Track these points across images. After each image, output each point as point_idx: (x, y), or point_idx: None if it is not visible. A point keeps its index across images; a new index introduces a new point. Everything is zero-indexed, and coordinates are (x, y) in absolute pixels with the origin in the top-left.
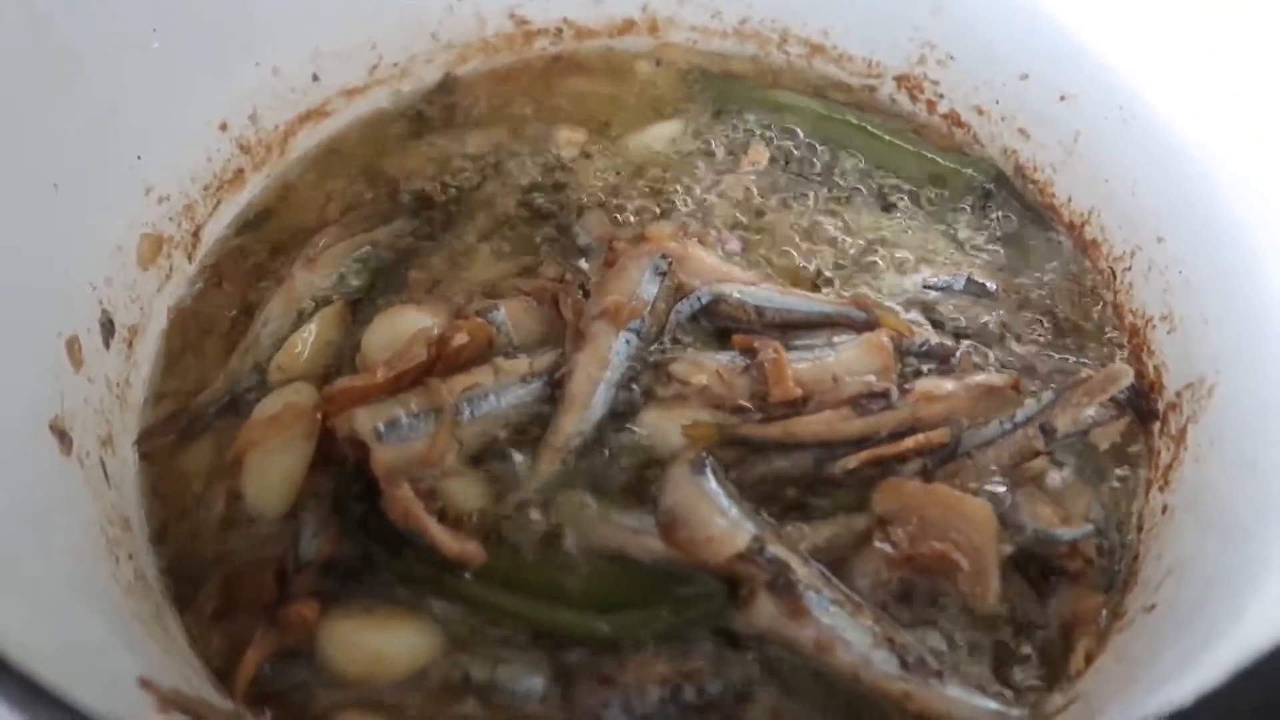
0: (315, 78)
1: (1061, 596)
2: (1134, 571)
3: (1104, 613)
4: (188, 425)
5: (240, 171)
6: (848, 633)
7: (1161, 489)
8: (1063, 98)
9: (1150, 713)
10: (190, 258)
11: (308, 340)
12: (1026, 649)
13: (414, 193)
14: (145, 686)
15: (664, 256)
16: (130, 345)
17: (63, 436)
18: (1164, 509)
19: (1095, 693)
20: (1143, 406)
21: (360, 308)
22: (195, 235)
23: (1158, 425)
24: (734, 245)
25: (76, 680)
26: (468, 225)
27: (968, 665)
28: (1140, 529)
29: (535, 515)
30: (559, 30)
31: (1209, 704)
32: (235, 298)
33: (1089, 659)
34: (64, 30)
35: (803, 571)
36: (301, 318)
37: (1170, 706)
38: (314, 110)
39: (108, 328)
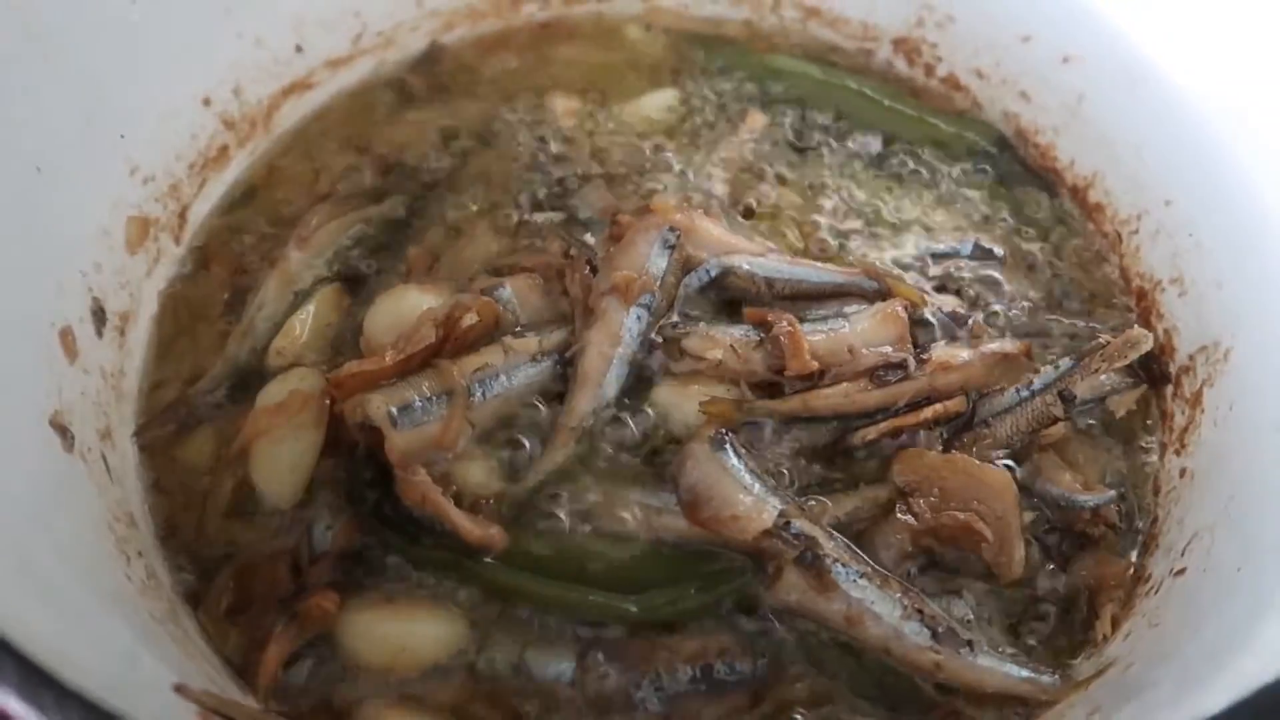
0: (299, 48)
1: (1084, 562)
2: (1154, 535)
3: (1127, 576)
4: (187, 415)
5: (225, 148)
6: (877, 605)
7: (1178, 453)
8: (1066, 59)
9: (1218, 687)
10: (178, 240)
11: (306, 323)
12: (1052, 616)
13: (405, 167)
14: (181, 693)
15: (672, 229)
16: (122, 333)
17: (64, 432)
18: (1182, 472)
19: (1135, 658)
20: (1154, 370)
21: (357, 288)
22: (182, 216)
23: (1170, 389)
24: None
25: (119, 692)
26: (463, 200)
27: (995, 634)
28: (1158, 493)
29: (552, 496)
30: None
31: None
32: (226, 280)
33: (1115, 624)
34: (43, 7)
35: (829, 545)
36: (297, 299)
37: (1248, 680)
38: (298, 82)
39: (99, 316)
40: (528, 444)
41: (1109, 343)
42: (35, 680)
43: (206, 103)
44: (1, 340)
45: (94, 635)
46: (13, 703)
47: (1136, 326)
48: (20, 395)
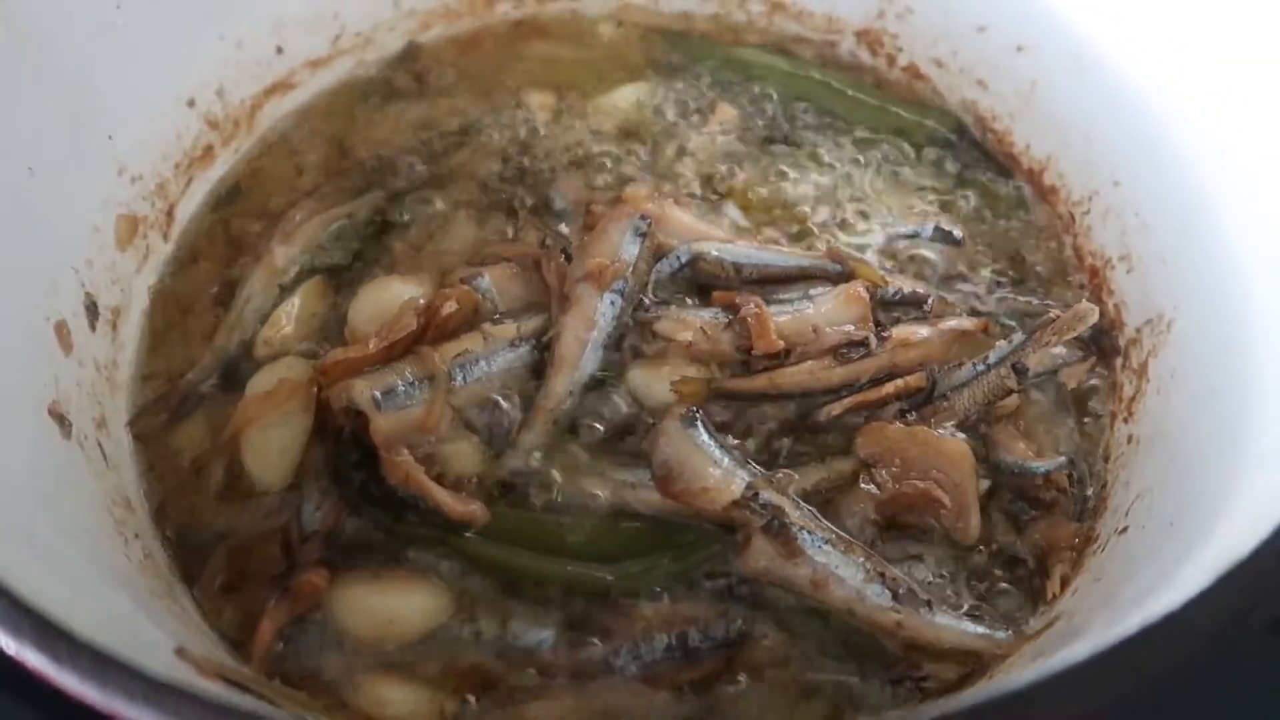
0: (279, 50)
1: (1037, 525)
2: (1104, 498)
3: (1077, 539)
4: (178, 404)
5: (209, 148)
6: (841, 569)
7: (1126, 420)
8: (1019, 49)
9: (1135, 621)
10: (166, 237)
11: (291, 314)
12: (1007, 576)
13: (385, 162)
14: (182, 656)
15: (643, 218)
16: (114, 327)
17: (62, 420)
18: (1129, 439)
19: (1077, 611)
20: (1104, 343)
21: (340, 279)
22: (169, 214)
23: (1120, 361)
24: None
25: (126, 653)
26: (442, 193)
27: (953, 594)
28: (1108, 459)
29: (531, 473)
30: None
31: (1194, 606)
32: (214, 275)
33: (1065, 582)
34: (30, 11)
35: (795, 514)
36: (283, 292)
37: (1158, 612)
38: (280, 83)
39: (92, 310)
40: (507, 424)
41: (1059, 317)
42: (50, 633)
43: (191, 104)
44: (2, 333)
45: (99, 605)
46: (29, 654)
47: (1084, 301)
48: (20, 385)
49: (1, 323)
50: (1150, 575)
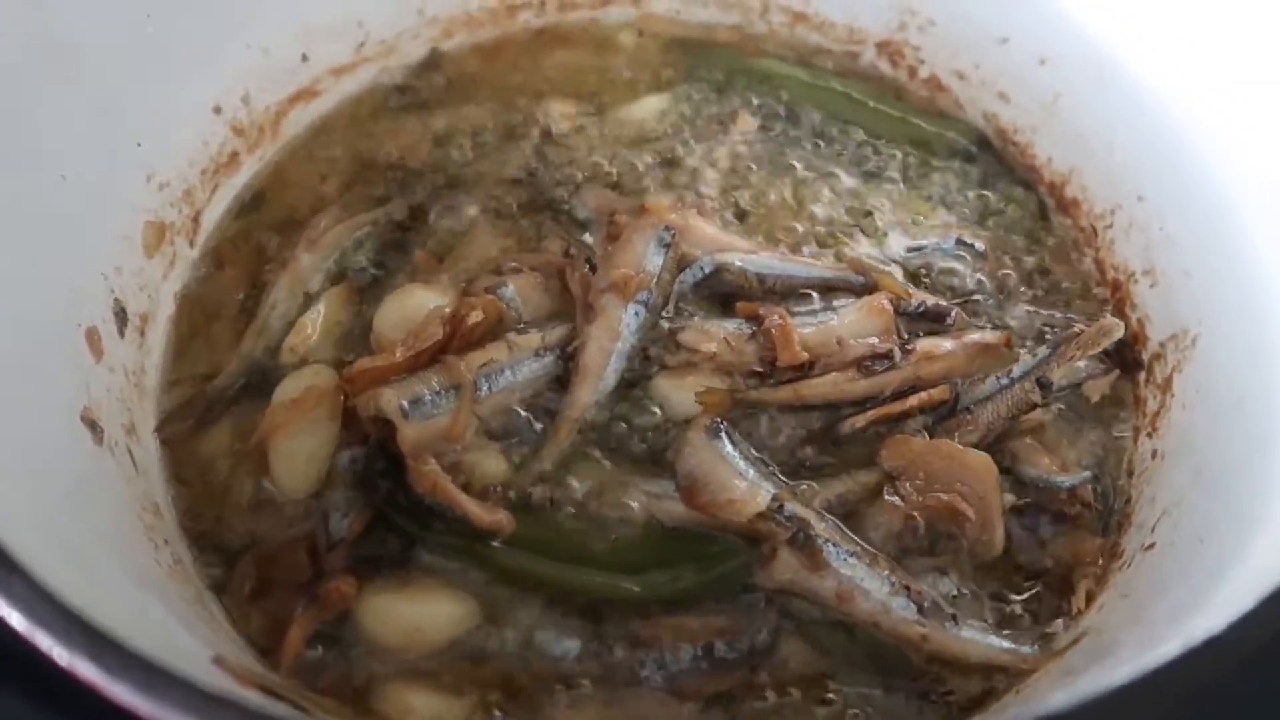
0: (304, 57)
1: (1061, 540)
2: (1127, 514)
3: (1102, 554)
4: (205, 410)
5: (235, 154)
6: (866, 582)
7: (1150, 435)
8: (1042, 61)
9: (1176, 644)
10: (192, 243)
11: (316, 321)
12: (1030, 590)
13: (409, 170)
14: (220, 665)
15: (667, 228)
16: (142, 333)
17: (94, 427)
18: (1154, 454)
19: (1106, 627)
20: (1127, 357)
21: (365, 287)
22: (195, 221)
23: (1143, 375)
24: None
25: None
26: (466, 202)
27: (978, 608)
28: (1131, 474)
29: (556, 484)
30: (542, 2)
31: (1237, 628)
32: (239, 281)
33: (1090, 597)
34: (62, 19)
35: (820, 526)
36: (308, 299)
37: (1199, 633)
38: (304, 90)
39: (121, 317)
40: (532, 434)
41: (1083, 331)
42: (101, 644)
43: (217, 111)
44: (35, 340)
45: (137, 613)
46: (82, 665)
47: (1109, 315)
48: (55, 392)
49: (36, 329)
50: (1182, 593)
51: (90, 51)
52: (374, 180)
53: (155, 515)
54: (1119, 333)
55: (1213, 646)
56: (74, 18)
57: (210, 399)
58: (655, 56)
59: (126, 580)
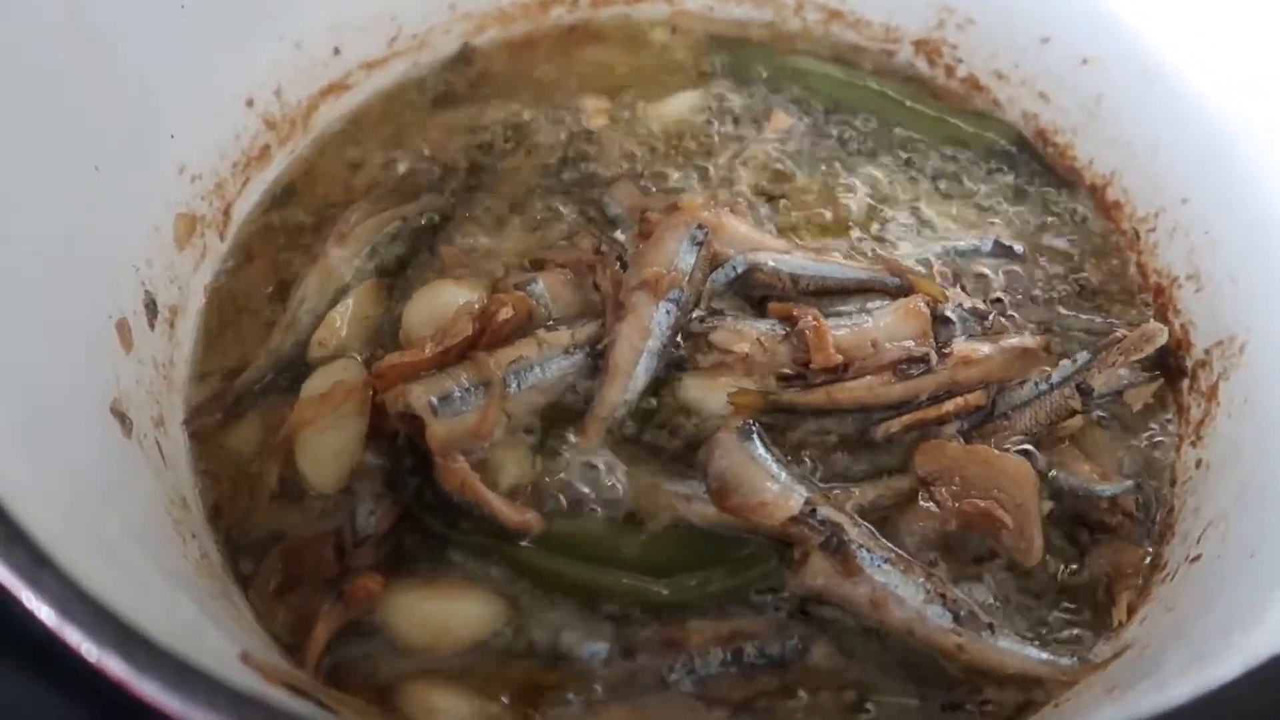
0: (336, 51)
1: (1101, 550)
2: (1170, 524)
3: (1142, 565)
4: (233, 404)
5: (266, 148)
6: (900, 589)
7: (1194, 444)
8: (1085, 61)
9: (1237, 660)
10: (222, 236)
11: (346, 316)
12: (1069, 601)
13: (439, 165)
14: (247, 662)
15: (700, 227)
16: (172, 325)
17: (123, 419)
18: (1198, 463)
19: (1151, 641)
20: (1170, 364)
21: (394, 282)
22: (226, 213)
23: (1186, 382)
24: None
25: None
26: (496, 197)
27: (1015, 618)
28: (1174, 483)
29: (585, 484)
30: None
31: None
32: (268, 275)
33: (1131, 609)
34: (97, 12)
35: (854, 532)
36: (338, 294)
37: (1260, 653)
38: (336, 84)
39: (151, 309)
40: (561, 433)
41: (1125, 337)
42: (132, 640)
43: (249, 103)
44: (67, 330)
45: (166, 608)
46: (112, 661)
47: (1152, 321)
48: (86, 383)
49: (68, 320)
50: (1231, 608)
51: (124, 43)
52: (404, 175)
53: (183, 509)
54: (1162, 339)
55: (1277, 665)
56: (109, 10)
57: (238, 392)
58: (688, 53)
59: (156, 574)
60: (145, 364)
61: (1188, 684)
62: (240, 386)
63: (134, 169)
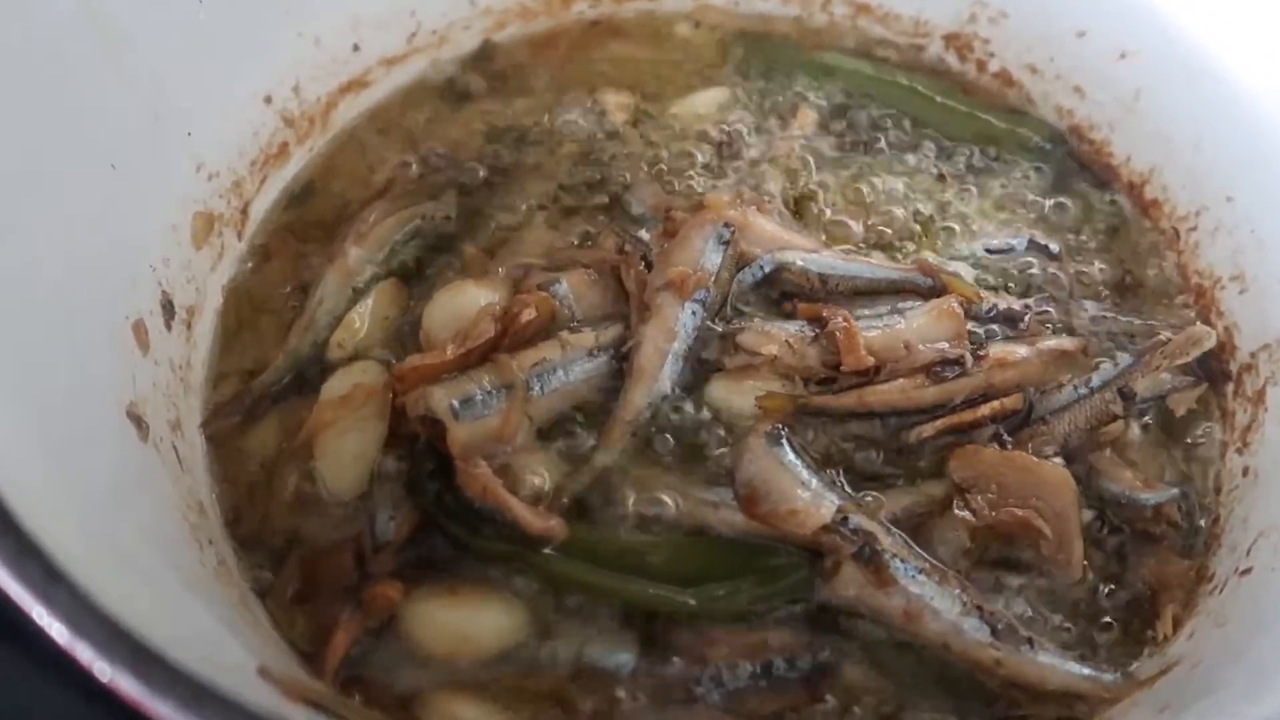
0: (356, 47)
1: (1145, 561)
2: (1216, 534)
3: (1188, 576)
4: (251, 406)
5: (285, 145)
6: (936, 601)
7: (1240, 451)
8: (1123, 55)
9: None
10: (240, 235)
11: (365, 317)
12: (1111, 614)
13: (460, 163)
14: (264, 676)
15: (726, 225)
16: (189, 326)
17: (139, 423)
18: (1245, 471)
19: (1201, 659)
20: (1215, 368)
21: (414, 282)
22: (244, 212)
23: (1231, 387)
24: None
25: (214, 676)
26: (517, 196)
27: (1055, 631)
28: (1219, 491)
29: (610, 489)
30: None
31: None
32: (287, 274)
33: (1177, 623)
34: (114, 8)
35: (887, 541)
36: (356, 294)
37: None
38: (355, 80)
39: (168, 309)
40: (584, 436)
41: (1169, 340)
42: (146, 660)
43: (268, 101)
44: (83, 331)
45: (183, 620)
46: (125, 681)
47: (1199, 324)
48: (101, 385)
49: (84, 320)
50: None
51: (141, 40)
52: (425, 173)
53: (200, 514)
54: (1210, 342)
55: None
56: (125, 7)
57: (256, 395)
58: (712, 48)
59: (173, 583)
60: (162, 366)
61: (1256, 710)
62: (258, 389)
63: (151, 167)
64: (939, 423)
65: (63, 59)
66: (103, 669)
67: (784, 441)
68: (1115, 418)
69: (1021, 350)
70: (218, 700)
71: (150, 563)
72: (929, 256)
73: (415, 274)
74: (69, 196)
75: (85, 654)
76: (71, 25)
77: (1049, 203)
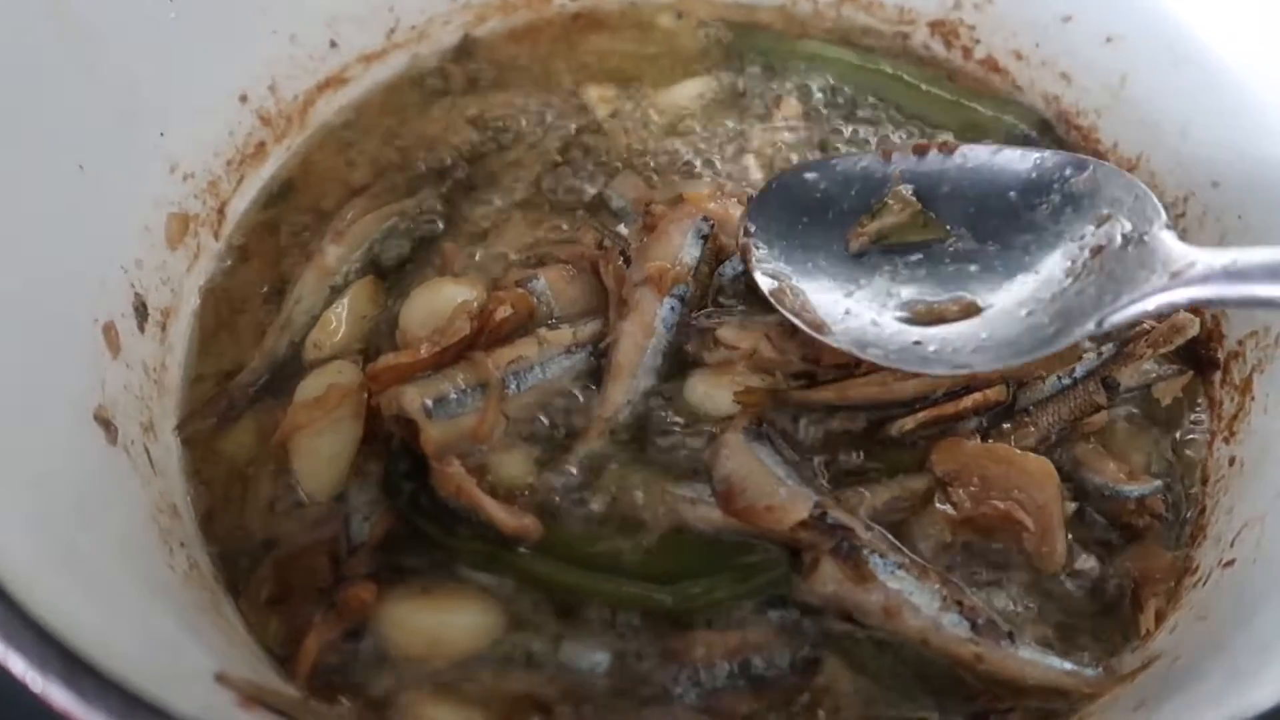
0: (333, 44)
1: (1128, 554)
2: (1201, 525)
3: (1172, 569)
4: (227, 408)
5: (261, 144)
6: (915, 596)
7: (1227, 440)
8: (1109, 39)
9: (1275, 683)
10: (217, 235)
11: (342, 316)
12: (1093, 607)
13: (439, 159)
14: (222, 682)
15: (705, 219)
16: (164, 328)
17: (107, 426)
18: (1231, 461)
19: (1181, 652)
20: (1201, 356)
21: (392, 281)
22: (220, 212)
23: (1218, 375)
24: None
25: (162, 681)
26: (497, 192)
27: (1036, 626)
28: (1205, 481)
29: (587, 487)
30: None
31: None
32: (265, 274)
33: (1160, 617)
34: (82, 7)
35: (866, 536)
36: (334, 293)
37: None
38: (333, 78)
39: (141, 311)
40: (562, 434)
41: (1153, 328)
42: (77, 671)
43: (243, 99)
44: (47, 335)
45: (138, 625)
46: (55, 690)
47: (1182, 311)
48: (65, 389)
49: (48, 324)
50: (1272, 620)
51: (110, 38)
52: (404, 170)
53: (172, 517)
54: (1193, 330)
55: None
56: (93, 4)
57: (232, 396)
58: (695, 39)
59: (134, 588)
60: (135, 368)
61: (1219, 711)
62: (234, 390)
63: (121, 168)
64: (920, 415)
65: (26, 56)
66: (34, 679)
67: (763, 436)
68: (1098, 408)
69: None
70: (150, 710)
71: (108, 568)
72: None
73: (394, 272)
74: (30, 197)
75: (17, 665)
76: (37, 24)
77: None
